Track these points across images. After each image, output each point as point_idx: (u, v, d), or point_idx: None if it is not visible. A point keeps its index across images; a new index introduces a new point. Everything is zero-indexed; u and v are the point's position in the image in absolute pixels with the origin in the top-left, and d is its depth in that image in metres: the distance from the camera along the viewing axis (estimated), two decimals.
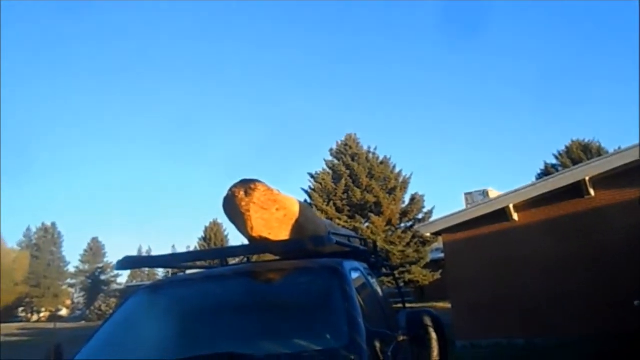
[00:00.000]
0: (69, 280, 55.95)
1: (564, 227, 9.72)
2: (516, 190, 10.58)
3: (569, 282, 9.33)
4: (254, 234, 3.01)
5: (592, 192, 9.63)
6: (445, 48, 64.46)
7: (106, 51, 65.08)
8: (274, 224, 3.07)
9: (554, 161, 33.17)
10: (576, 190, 9.75)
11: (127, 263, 3.10)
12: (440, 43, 62.73)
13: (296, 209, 3.25)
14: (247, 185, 3.03)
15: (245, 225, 3.02)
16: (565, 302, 9.25)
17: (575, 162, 26.34)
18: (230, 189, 3.07)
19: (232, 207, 3.06)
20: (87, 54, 67.47)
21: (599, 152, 28.76)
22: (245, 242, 3.28)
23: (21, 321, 45.67)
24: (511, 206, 10.29)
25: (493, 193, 14.22)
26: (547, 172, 29.77)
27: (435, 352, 2.24)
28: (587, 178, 9.58)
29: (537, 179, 26.52)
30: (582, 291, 9.10)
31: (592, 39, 59.36)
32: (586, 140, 33.84)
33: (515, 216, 10.32)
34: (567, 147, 33.56)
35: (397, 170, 28.26)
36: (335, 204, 26.36)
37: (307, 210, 3.70)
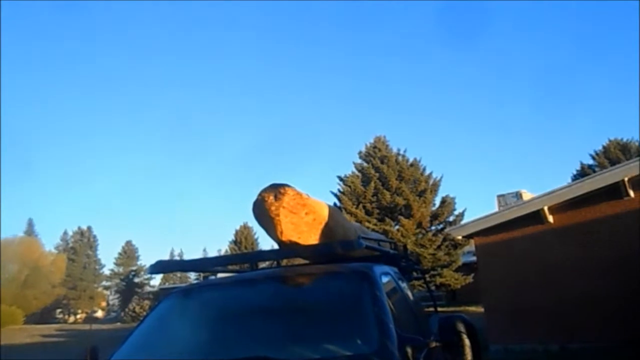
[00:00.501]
0: (104, 283, 57.44)
1: (602, 229, 9.42)
2: (551, 192, 10.31)
3: (606, 287, 9.03)
4: (284, 238, 3.02)
5: (631, 193, 9.30)
6: (477, 47, 63.62)
7: (138, 51, 66.71)
8: (304, 228, 3.07)
9: (591, 161, 32.25)
10: (615, 191, 9.43)
11: (160, 267, 3.15)
12: (472, 41, 61.91)
13: (325, 212, 3.25)
14: (276, 189, 3.05)
15: (275, 230, 3.04)
16: (602, 306, 8.96)
17: (613, 162, 25.57)
18: (260, 194, 3.09)
19: (262, 212, 3.08)
20: (125, 61, 69.17)
21: (638, 152, 27.81)
22: (275, 246, 3.30)
23: (59, 322, 47.05)
24: (546, 208, 10.04)
25: (526, 195, 13.92)
26: (583, 172, 28.98)
27: (468, 357, 2.19)
28: (626, 179, 9.26)
29: (573, 180, 25.83)
30: (620, 296, 8.80)
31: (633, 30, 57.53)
32: (624, 140, 32.78)
33: (550, 218, 10.06)
34: (604, 147, 32.61)
35: (427, 172, 27.96)
36: (364, 207, 26.25)
37: (337, 214, 3.69)
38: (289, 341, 2.40)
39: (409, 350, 2.24)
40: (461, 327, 2.23)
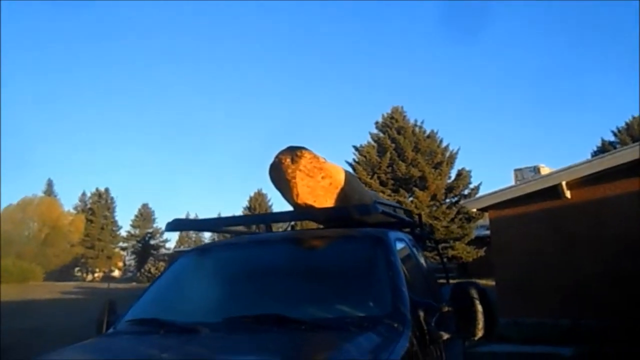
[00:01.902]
0: (120, 244, 58.70)
1: (620, 206, 9.28)
2: (570, 167, 10.15)
3: (621, 264, 8.96)
4: (299, 201, 3.02)
5: None
6: (498, 19, 61.97)
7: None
8: (319, 191, 3.07)
9: (612, 138, 31.62)
10: (635, 168, 9.25)
11: (176, 225, 3.19)
12: (493, 13, 60.26)
13: (342, 177, 3.24)
14: (293, 152, 3.04)
15: (291, 192, 3.04)
16: (614, 284, 8.90)
17: (635, 139, 25.01)
18: (277, 156, 3.08)
19: (278, 174, 3.08)
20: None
21: None
22: (291, 209, 3.31)
23: (77, 280, 48.41)
24: (564, 183, 9.90)
25: (545, 170, 13.70)
26: (604, 149, 28.49)
27: (480, 324, 2.19)
28: None
29: (593, 156, 25.40)
30: (634, 274, 8.72)
31: None
32: None
33: (568, 194, 9.93)
34: (627, 124, 31.87)
35: (444, 144, 27.73)
36: (379, 177, 26.21)
37: (353, 179, 3.67)
38: (302, 301, 2.43)
39: (421, 314, 2.25)
40: (474, 294, 2.22)
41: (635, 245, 8.89)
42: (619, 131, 31.77)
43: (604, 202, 9.54)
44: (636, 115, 32.15)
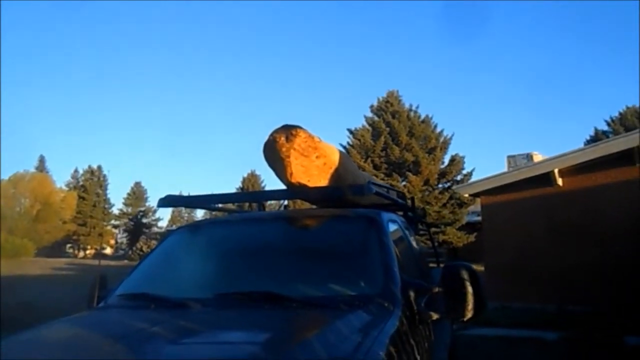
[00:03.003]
0: (113, 222, 58.59)
1: (610, 195, 9.37)
2: (563, 155, 10.21)
3: (609, 252, 9.08)
4: (293, 180, 3.02)
5: None
6: (494, 8, 61.60)
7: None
8: (314, 171, 3.06)
9: (605, 127, 31.76)
10: (627, 157, 9.32)
11: (169, 201, 3.17)
12: (490, 1, 59.87)
13: (336, 158, 3.23)
14: (288, 131, 3.02)
15: (285, 171, 3.03)
16: (603, 272, 9.03)
17: (628, 129, 25.13)
18: (272, 134, 3.07)
19: (273, 153, 3.07)
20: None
21: None
22: (284, 188, 3.29)
23: (69, 257, 48.41)
24: (556, 171, 9.96)
25: (538, 157, 13.79)
26: (597, 138, 28.63)
27: (469, 305, 2.21)
28: None
29: (586, 145, 25.50)
30: (621, 262, 8.85)
31: None
32: None
33: (560, 181, 10.01)
34: (620, 113, 32.01)
35: (438, 130, 27.74)
36: (372, 161, 26.23)
37: (347, 160, 3.67)
38: (294, 279, 2.44)
39: (411, 294, 2.27)
40: (465, 275, 2.24)
41: (623, 234, 9.01)
42: (613, 121, 31.91)
43: (595, 190, 9.63)
44: (630, 105, 32.30)
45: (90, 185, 55.20)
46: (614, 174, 9.50)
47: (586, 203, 9.58)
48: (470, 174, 26.77)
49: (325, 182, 3.12)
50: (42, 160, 55.40)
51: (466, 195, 17.73)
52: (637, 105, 32.02)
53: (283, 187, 3.24)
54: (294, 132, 3.00)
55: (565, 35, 61.78)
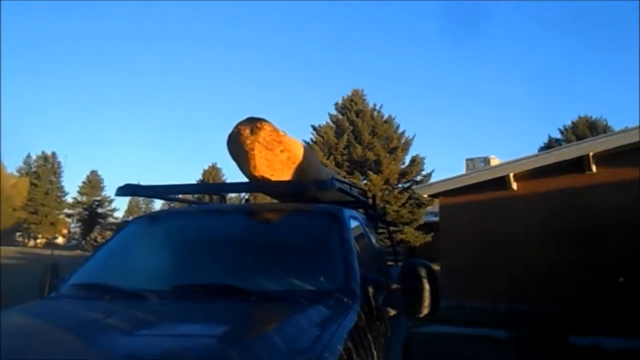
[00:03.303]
0: (66, 210, 56.59)
1: (561, 200, 9.74)
2: (518, 160, 10.55)
3: (559, 255, 9.43)
4: (256, 173, 3.00)
5: (594, 168, 9.59)
6: (456, 13, 62.99)
7: None
8: (277, 165, 3.05)
9: (559, 135, 32.97)
10: (578, 165, 9.71)
11: (127, 190, 3.09)
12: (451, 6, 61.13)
13: (300, 152, 3.23)
14: (253, 123, 3.00)
15: (248, 164, 3.01)
16: (552, 273, 9.38)
17: (580, 138, 26.19)
18: (236, 126, 3.04)
19: (236, 145, 3.04)
20: None
21: (605, 131, 28.56)
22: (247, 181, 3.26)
23: (18, 245, 46.47)
24: (511, 175, 10.28)
25: (495, 161, 14.19)
26: (550, 145, 29.67)
27: (426, 302, 2.26)
28: (591, 153, 9.52)
29: (539, 152, 26.41)
30: (570, 265, 9.21)
31: (610, 13, 57.83)
32: (593, 118, 33.53)
33: (515, 185, 10.33)
34: (573, 123, 33.31)
35: (400, 130, 28.13)
36: (335, 159, 26.36)
37: (311, 155, 3.67)
38: (253, 273, 2.42)
39: (370, 290, 2.30)
40: (423, 273, 2.28)
41: (573, 238, 9.37)
42: (565, 129, 33.16)
43: (547, 195, 9.99)
44: (582, 115, 33.64)
45: (44, 172, 53.13)
46: (566, 181, 9.89)
47: (539, 207, 9.94)
48: (429, 175, 27.30)
49: (288, 176, 3.12)
50: None
51: (425, 195, 18.04)
52: (588, 116, 33.44)
53: (245, 180, 3.21)
54: (259, 125, 2.97)
55: (529, 43, 63.73)
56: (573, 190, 9.70)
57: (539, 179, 10.18)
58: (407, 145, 27.82)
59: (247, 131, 2.96)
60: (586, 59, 61.90)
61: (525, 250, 9.80)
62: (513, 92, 64.51)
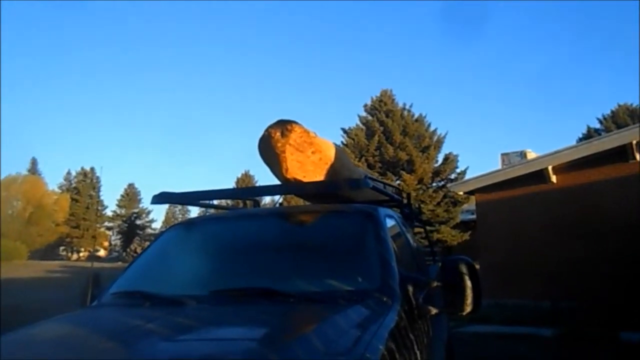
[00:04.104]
0: (106, 223, 58.26)
1: (604, 192, 9.40)
2: (556, 152, 10.24)
3: (603, 249, 9.10)
4: (289, 175, 2.98)
5: (637, 156, 9.23)
6: (488, 7, 61.86)
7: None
8: (309, 166, 3.03)
9: (598, 125, 31.94)
10: (621, 154, 9.36)
11: (163, 198, 3.12)
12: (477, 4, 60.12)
13: (332, 153, 3.20)
14: (283, 126, 2.99)
15: (280, 167, 2.99)
16: (596, 268, 9.06)
17: (620, 127, 25.27)
18: (267, 130, 3.03)
19: (268, 148, 3.03)
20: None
21: None
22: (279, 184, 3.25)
23: (62, 259, 48.03)
24: (550, 168, 10.00)
25: (531, 155, 13.81)
26: (589, 136, 28.76)
27: (468, 299, 2.19)
28: (634, 142, 9.16)
29: (578, 143, 25.62)
30: (616, 258, 8.87)
31: None
32: (634, 105, 32.32)
33: (554, 178, 10.04)
34: (612, 112, 32.21)
35: (431, 128, 27.76)
36: (367, 160, 26.20)
37: (343, 155, 3.63)
38: (291, 275, 2.40)
39: (410, 288, 2.25)
40: (464, 269, 2.21)
41: (618, 230, 9.03)
42: (605, 118, 32.09)
43: (589, 187, 9.66)
44: (621, 103, 32.49)
45: (83, 187, 54.89)
46: (608, 171, 9.54)
47: (580, 200, 9.62)
48: (464, 173, 26.82)
49: (321, 177, 3.09)
50: (34, 162, 55.09)
51: (460, 193, 17.74)
52: (629, 103, 32.27)
53: (278, 183, 3.20)
54: (289, 127, 2.96)
55: (558, 35, 62.20)
56: (616, 181, 9.35)
57: (579, 170, 9.86)
58: (439, 143, 27.42)
59: (278, 134, 2.95)
60: (624, 43, 59.82)
61: (568, 245, 9.48)
62: (548, 83, 62.92)
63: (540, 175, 10.10)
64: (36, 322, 2.14)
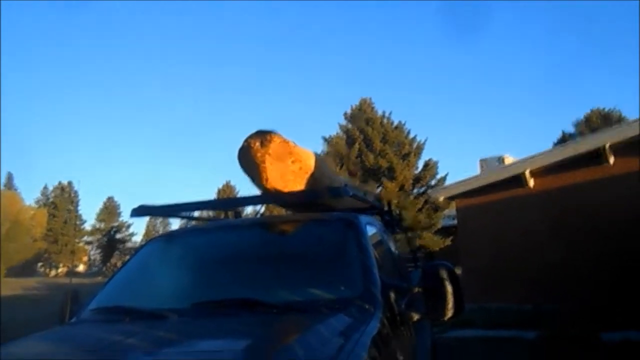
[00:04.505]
0: (85, 238, 57.19)
1: (580, 195, 9.57)
2: (533, 156, 10.41)
3: (582, 252, 9.25)
4: (269, 185, 2.98)
5: (611, 159, 9.43)
6: (463, 11, 62.87)
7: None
8: (289, 176, 3.04)
9: (572, 130, 32.57)
10: (596, 157, 9.55)
11: (142, 210, 3.10)
12: (456, 4, 61.04)
13: (312, 162, 3.21)
14: (263, 136, 2.99)
15: (260, 177, 3.00)
16: (577, 271, 9.20)
17: (594, 131, 25.82)
18: (246, 140, 3.03)
19: (248, 159, 3.03)
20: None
21: (620, 121, 28.14)
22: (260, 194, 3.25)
23: (40, 276, 46.99)
24: (527, 172, 10.14)
25: (509, 160, 14.02)
26: (564, 140, 29.30)
27: (450, 304, 2.21)
28: (607, 145, 9.36)
29: (554, 147, 26.07)
30: (594, 261, 9.03)
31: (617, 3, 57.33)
32: (606, 109, 33.10)
33: (531, 183, 10.18)
34: (586, 116, 32.91)
35: (411, 135, 28.03)
36: (347, 168, 26.29)
37: (323, 164, 3.65)
38: (273, 285, 2.40)
39: (392, 295, 2.26)
40: (444, 274, 2.24)
41: (595, 232, 9.20)
42: (579, 123, 32.78)
43: (565, 190, 9.82)
44: (594, 108, 33.26)
45: (61, 202, 53.90)
46: (583, 174, 9.71)
47: (558, 203, 9.77)
48: (444, 179, 27.09)
49: (301, 186, 3.10)
50: (9, 177, 53.97)
51: (441, 199, 17.86)
52: (601, 108, 33.03)
53: (259, 193, 3.20)
54: (268, 137, 2.97)
55: (534, 40, 63.47)
56: (591, 183, 9.53)
57: (555, 174, 10.01)
58: (419, 150, 27.69)
59: (257, 144, 2.95)
60: (594, 49, 61.34)
61: (547, 248, 9.62)
62: (522, 90, 64.05)
63: (518, 180, 10.24)
64: (14, 341, 2.09)
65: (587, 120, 32.48)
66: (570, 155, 9.78)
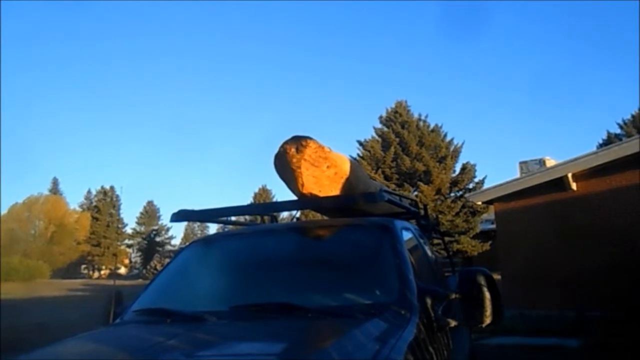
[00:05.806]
0: (126, 241, 58.93)
1: (626, 197, 9.23)
2: (576, 159, 10.10)
3: (627, 256, 8.91)
4: (305, 190, 3.01)
5: None
6: (500, 14, 61.66)
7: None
8: (325, 181, 3.06)
9: (618, 130, 31.37)
10: None
11: (182, 215, 3.18)
12: (496, 9, 59.93)
13: (347, 167, 3.22)
14: (298, 141, 3.03)
15: (296, 182, 3.03)
16: (619, 276, 8.86)
17: None
18: (282, 146, 3.07)
19: (283, 164, 3.07)
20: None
21: None
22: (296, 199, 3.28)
23: (84, 278, 48.63)
24: (569, 175, 9.86)
25: (550, 162, 13.61)
26: (609, 141, 28.28)
27: (488, 311, 2.17)
28: None
29: (598, 149, 25.20)
30: (639, 266, 8.67)
31: None
32: None
33: (574, 186, 9.90)
34: (633, 116, 31.61)
35: (448, 138, 27.61)
36: (383, 172, 26.13)
37: (358, 169, 3.66)
38: (309, 289, 2.42)
39: (428, 301, 2.24)
40: (482, 280, 2.20)
41: (637, 237, 8.85)
42: (625, 123, 31.55)
43: (610, 193, 9.50)
44: None
45: (103, 206, 55.67)
46: (629, 177, 9.37)
47: (601, 206, 9.46)
48: (482, 182, 26.55)
49: (336, 191, 3.12)
50: (55, 182, 56.19)
51: (479, 203, 17.56)
52: None
53: (294, 198, 3.23)
54: (304, 143, 3.00)
55: (575, 38, 61.63)
56: (638, 187, 9.17)
57: (600, 177, 9.70)
58: (456, 153, 27.24)
59: (293, 150, 2.99)
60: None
61: (590, 253, 9.31)
62: (566, 88, 62.27)
63: (559, 183, 9.97)
64: (60, 341, 2.18)
65: (635, 119, 31.20)
66: (615, 158, 9.46)
